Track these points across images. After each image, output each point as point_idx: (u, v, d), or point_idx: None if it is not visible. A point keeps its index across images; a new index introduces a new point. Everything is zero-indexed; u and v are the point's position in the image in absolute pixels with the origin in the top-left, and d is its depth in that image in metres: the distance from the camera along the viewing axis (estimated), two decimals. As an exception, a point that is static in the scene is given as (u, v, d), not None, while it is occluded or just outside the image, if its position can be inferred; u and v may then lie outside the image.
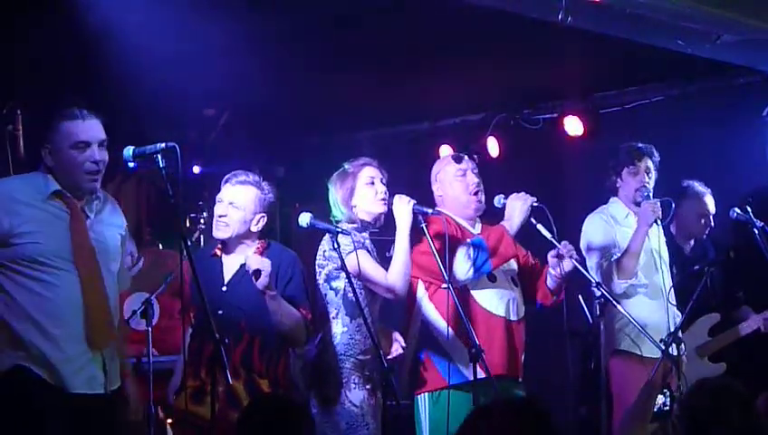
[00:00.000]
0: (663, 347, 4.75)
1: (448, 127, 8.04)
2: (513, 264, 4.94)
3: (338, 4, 5.39)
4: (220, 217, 4.62)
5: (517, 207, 4.82)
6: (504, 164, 7.51)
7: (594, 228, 5.52)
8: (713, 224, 6.04)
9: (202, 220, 7.83)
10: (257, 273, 4.34)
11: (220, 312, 4.33)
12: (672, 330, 5.08)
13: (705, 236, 6.05)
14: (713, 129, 6.79)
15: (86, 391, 3.87)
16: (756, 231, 5.81)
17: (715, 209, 6.04)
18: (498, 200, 4.92)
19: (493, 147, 7.62)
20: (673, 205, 5.52)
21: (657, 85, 7.18)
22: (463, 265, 4.69)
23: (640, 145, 5.65)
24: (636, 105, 7.25)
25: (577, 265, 4.83)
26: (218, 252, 4.63)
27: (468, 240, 4.76)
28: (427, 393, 4.73)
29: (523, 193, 4.87)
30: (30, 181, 3.94)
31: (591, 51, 6.05)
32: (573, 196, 5.89)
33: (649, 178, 5.55)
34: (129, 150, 3.98)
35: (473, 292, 4.77)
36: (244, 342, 4.45)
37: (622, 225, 5.50)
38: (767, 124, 6.61)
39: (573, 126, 7.29)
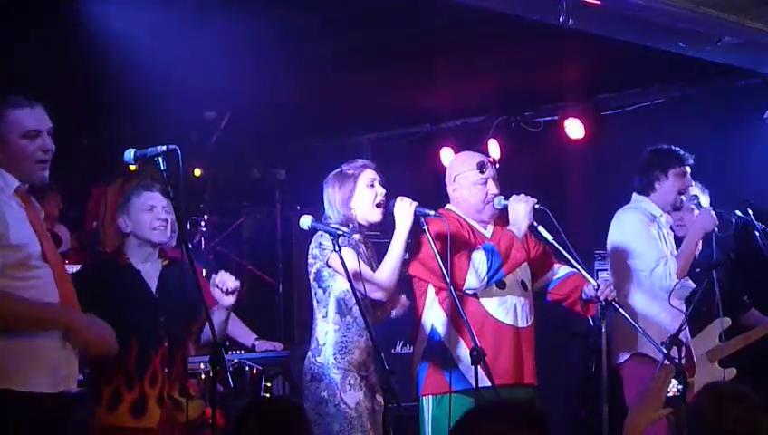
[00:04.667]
0: (665, 350, 4.72)
1: (449, 129, 8.05)
2: (525, 267, 4.86)
3: (338, 6, 5.39)
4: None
5: (521, 211, 4.75)
6: (504, 166, 7.51)
7: (636, 227, 5.36)
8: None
9: (203, 223, 7.87)
10: (233, 292, 4.33)
11: (162, 319, 4.34)
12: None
13: (711, 239, 6.03)
14: (714, 131, 6.79)
15: (69, 389, 3.82)
16: (757, 233, 5.81)
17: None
18: (498, 202, 4.82)
19: (494, 149, 7.63)
20: (734, 223, 5.47)
21: (658, 87, 7.19)
22: (479, 272, 4.63)
23: (681, 150, 5.54)
24: (637, 107, 7.26)
25: (581, 270, 4.78)
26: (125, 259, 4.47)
27: (480, 246, 4.68)
28: (431, 396, 4.70)
29: (522, 195, 4.78)
30: None
31: (592, 53, 6.06)
32: (574, 198, 5.89)
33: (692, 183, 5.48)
34: (130, 153, 3.97)
35: (481, 299, 4.68)
36: (164, 348, 4.39)
37: (658, 225, 5.40)
38: (768, 126, 6.62)
39: (574, 128, 7.30)
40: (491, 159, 5.04)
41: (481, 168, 4.84)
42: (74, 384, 3.86)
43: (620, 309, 4.77)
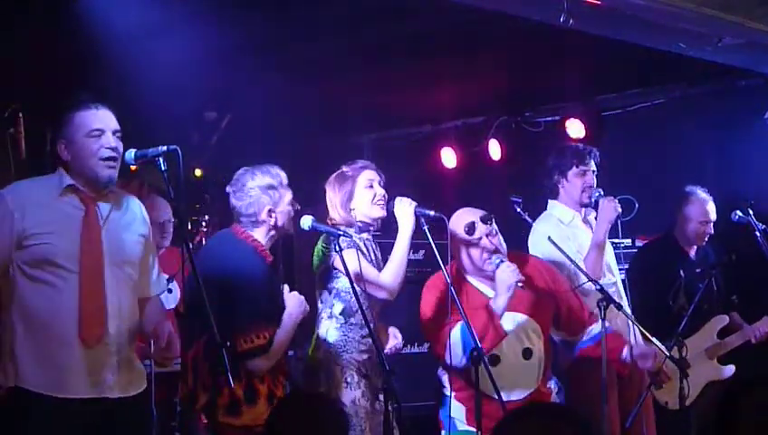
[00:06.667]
0: (667, 351, 4.71)
1: (450, 129, 8.06)
2: (530, 331, 4.67)
3: (339, 6, 5.39)
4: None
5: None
6: (504, 167, 7.52)
7: (545, 242, 5.08)
8: (712, 231, 5.99)
9: (204, 223, 7.85)
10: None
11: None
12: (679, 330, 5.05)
13: (704, 242, 6.01)
14: (714, 131, 6.80)
15: (95, 395, 3.80)
16: (758, 234, 5.81)
17: (715, 217, 5.97)
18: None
19: (494, 150, 7.63)
20: (636, 204, 5.44)
21: (659, 88, 7.19)
22: (455, 353, 4.45)
23: (584, 146, 5.53)
24: (637, 108, 7.26)
25: (580, 269, 4.76)
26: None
27: (456, 324, 4.42)
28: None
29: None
30: (46, 181, 3.94)
31: (593, 53, 6.06)
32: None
33: (594, 179, 5.38)
34: (130, 153, 3.96)
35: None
36: None
37: (570, 227, 5.33)
38: (768, 126, 6.62)
39: (575, 129, 7.30)
40: (482, 216, 4.67)
41: (469, 230, 4.65)
42: (117, 391, 3.86)
43: (621, 309, 4.75)
